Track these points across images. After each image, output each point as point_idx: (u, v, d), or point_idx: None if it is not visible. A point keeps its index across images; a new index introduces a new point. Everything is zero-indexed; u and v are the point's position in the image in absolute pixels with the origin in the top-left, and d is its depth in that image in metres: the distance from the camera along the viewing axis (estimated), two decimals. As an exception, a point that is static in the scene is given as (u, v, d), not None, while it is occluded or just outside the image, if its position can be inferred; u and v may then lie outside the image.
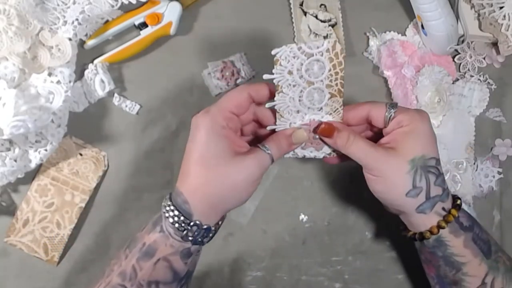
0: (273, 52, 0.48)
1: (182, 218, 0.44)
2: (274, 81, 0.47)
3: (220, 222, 0.47)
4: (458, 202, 0.49)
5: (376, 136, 0.51)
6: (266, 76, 0.46)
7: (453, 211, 0.48)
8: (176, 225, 0.44)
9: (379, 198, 0.50)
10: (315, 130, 0.49)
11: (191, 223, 0.44)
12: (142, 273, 0.44)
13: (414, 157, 0.46)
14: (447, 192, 0.48)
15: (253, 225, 0.60)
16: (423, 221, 0.48)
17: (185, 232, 0.44)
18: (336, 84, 0.48)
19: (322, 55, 0.47)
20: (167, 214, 0.44)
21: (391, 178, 0.47)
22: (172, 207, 0.44)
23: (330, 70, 0.47)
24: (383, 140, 0.49)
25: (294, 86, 0.47)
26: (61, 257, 0.58)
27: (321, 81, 0.47)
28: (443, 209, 0.48)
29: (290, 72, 0.47)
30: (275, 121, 0.49)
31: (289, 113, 0.48)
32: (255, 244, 0.60)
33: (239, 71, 0.59)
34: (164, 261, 0.44)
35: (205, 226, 0.44)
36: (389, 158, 0.47)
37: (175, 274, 0.45)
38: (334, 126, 0.48)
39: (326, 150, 0.51)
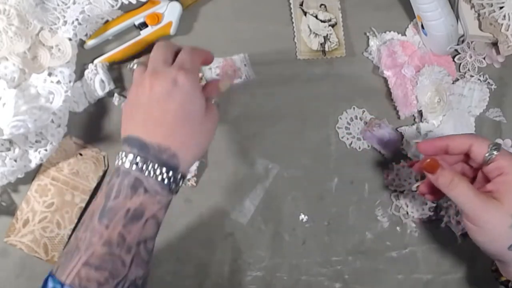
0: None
1: (170, 173, 0.46)
2: None
3: None
4: None
5: (470, 170, 0.52)
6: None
7: None
8: (165, 181, 0.46)
9: (479, 247, 0.50)
10: (419, 166, 0.52)
11: (179, 176, 0.47)
12: (131, 236, 0.45)
13: None
14: None
15: (253, 225, 0.60)
16: None
17: (173, 185, 0.46)
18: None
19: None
20: (151, 174, 0.45)
21: (493, 230, 0.47)
22: (156, 165, 0.45)
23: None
24: (487, 188, 0.49)
25: None
26: (61, 257, 0.58)
27: None
28: None
29: None
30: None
31: None
32: (255, 244, 0.60)
33: (239, 70, 0.59)
34: (152, 218, 0.46)
35: (185, 175, 0.48)
36: (492, 209, 0.47)
37: (159, 226, 0.47)
38: (439, 163, 0.49)
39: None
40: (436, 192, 0.51)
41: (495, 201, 0.47)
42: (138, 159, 0.45)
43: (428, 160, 0.49)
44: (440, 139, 0.51)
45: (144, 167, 0.45)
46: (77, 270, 0.44)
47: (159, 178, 0.45)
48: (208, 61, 0.54)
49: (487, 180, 0.50)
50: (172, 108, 0.47)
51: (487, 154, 0.48)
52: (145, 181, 0.45)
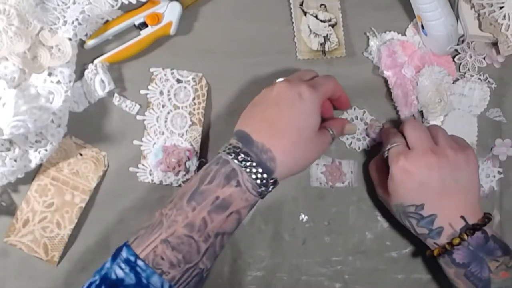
0: (151, 70, 0.59)
1: (265, 175, 0.47)
2: (148, 97, 0.59)
3: None
4: (455, 241, 0.52)
5: None
6: (142, 91, 0.59)
7: (438, 250, 0.54)
8: (258, 181, 0.47)
9: None
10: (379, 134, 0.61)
11: (272, 180, 0.48)
12: (213, 225, 0.46)
13: (395, 203, 0.55)
14: (438, 232, 0.53)
15: (253, 225, 0.60)
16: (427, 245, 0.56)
17: (263, 188, 0.47)
18: (198, 113, 0.58)
19: (189, 84, 0.57)
20: (248, 170, 0.47)
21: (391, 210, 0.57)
22: (254, 163, 0.47)
23: (194, 99, 0.57)
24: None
25: (163, 106, 0.58)
26: (61, 257, 0.58)
27: (186, 107, 0.57)
28: (435, 243, 0.54)
29: (161, 92, 0.58)
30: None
31: (155, 133, 0.58)
32: (255, 244, 0.60)
33: (344, 175, 0.61)
34: (236, 214, 0.47)
35: (278, 183, 0.49)
36: (386, 198, 0.57)
37: (238, 224, 0.48)
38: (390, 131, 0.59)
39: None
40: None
41: (386, 192, 0.56)
42: (240, 152, 0.47)
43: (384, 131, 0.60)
44: (383, 130, 0.61)
45: (243, 161, 0.47)
46: (154, 245, 0.45)
47: (253, 176, 0.47)
48: (336, 95, 0.55)
49: None
50: (287, 116, 0.49)
51: (384, 152, 0.56)
52: (240, 174, 0.47)
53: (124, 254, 0.45)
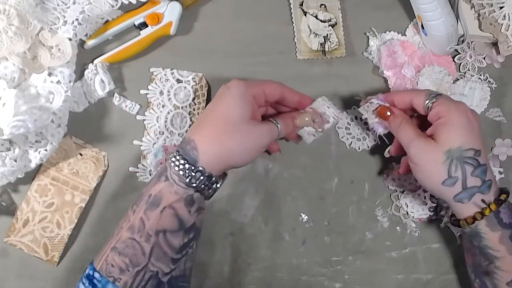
0: (151, 70, 0.59)
1: (187, 165, 0.47)
2: (148, 97, 0.59)
3: (222, 179, 0.51)
4: (502, 197, 0.50)
5: (424, 120, 0.54)
6: (142, 91, 0.59)
7: (493, 206, 0.49)
8: (181, 172, 0.47)
9: (421, 185, 0.54)
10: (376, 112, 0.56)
11: (195, 169, 0.47)
12: (150, 223, 0.47)
13: (450, 148, 0.50)
14: (489, 184, 0.50)
15: (253, 225, 0.60)
16: (461, 210, 0.51)
17: (189, 178, 0.47)
18: (198, 113, 0.58)
19: (189, 84, 0.57)
20: (172, 164, 0.48)
21: (427, 167, 0.51)
22: (178, 157, 0.48)
23: (194, 99, 0.58)
24: (428, 131, 0.53)
25: (163, 106, 0.58)
26: (61, 257, 0.58)
27: (186, 107, 0.58)
28: (483, 201, 0.50)
29: (161, 92, 0.58)
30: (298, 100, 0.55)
31: (154, 133, 0.58)
32: (255, 244, 0.60)
33: (324, 114, 0.57)
34: (169, 208, 0.47)
35: (207, 173, 0.48)
36: (428, 148, 0.51)
37: (180, 222, 0.48)
38: (391, 110, 0.55)
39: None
40: (402, 151, 0.55)
41: (431, 141, 0.51)
42: (174, 151, 0.49)
43: (380, 107, 0.55)
44: (387, 94, 0.56)
45: (171, 157, 0.48)
46: (106, 254, 0.47)
47: (176, 168, 0.47)
48: (288, 100, 0.55)
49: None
50: (210, 106, 0.50)
51: (425, 103, 0.53)
52: (169, 169, 0.48)
53: (87, 270, 0.48)
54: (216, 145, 0.48)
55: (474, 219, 0.50)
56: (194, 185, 0.47)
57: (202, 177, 0.48)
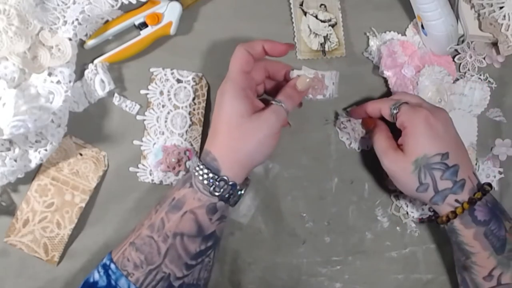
0: (151, 70, 0.59)
1: (211, 174, 0.48)
2: (148, 97, 0.59)
3: (246, 185, 0.51)
4: (477, 195, 0.51)
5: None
6: (142, 91, 0.59)
7: (465, 205, 0.51)
8: (205, 181, 0.48)
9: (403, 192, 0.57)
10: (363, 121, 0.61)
11: (218, 178, 0.48)
12: (169, 225, 0.48)
13: (416, 158, 0.52)
14: (462, 184, 0.52)
15: (253, 225, 0.60)
16: (439, 210, 0.54)
17: (213, 187, 0.48)
18: (198, 113, 0.59)
19: (189, 84, 0.58)
20: (196, 173, 0.49)
21: (400, 177, 0.54)
22: (201, 166, 0.49)
23: (194, 99, 0.58)
24: (399, 141, 0.55)
25: (163, 106, 0.58)
26: (61, 257, 0.58)
27: (186, 107, 0.58)
28: (456, 200, 0.52)
29: (161, 92, 0.58)
30: (286, 72, 0.54)
31: (155, 133, 0.58)
32: (255, 244, 0.60)
33: (326, 88, 0.56)
34: (190, 213, 0.48)
35: (231, 182, 0.48)
36: (398, 159, 0.53)
37: (199, 228, 0.48)
38: (371, 121, 0.59)
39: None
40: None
41: (400, 152, 0.53)
42: (198, 161, 0.50)
43: (366, 120, 0.60)
44: (361, 106, 0.59)
45: (196, 166, 0.49)
46: (124, 248, 0.48)
47: (201, 177, 0.48)
48: (254, 52, 0.52)
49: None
50: (214, 116, 0.51)
51: (391, 114, 0.55)
52: (193, 177, 0.49)
53: (104, 259, 0.49)
54: (232, 152, 0.49)
55: (448, 218, 0.53)
56: (218, 193, 0.48)
57: (226, 186, 0.48)
